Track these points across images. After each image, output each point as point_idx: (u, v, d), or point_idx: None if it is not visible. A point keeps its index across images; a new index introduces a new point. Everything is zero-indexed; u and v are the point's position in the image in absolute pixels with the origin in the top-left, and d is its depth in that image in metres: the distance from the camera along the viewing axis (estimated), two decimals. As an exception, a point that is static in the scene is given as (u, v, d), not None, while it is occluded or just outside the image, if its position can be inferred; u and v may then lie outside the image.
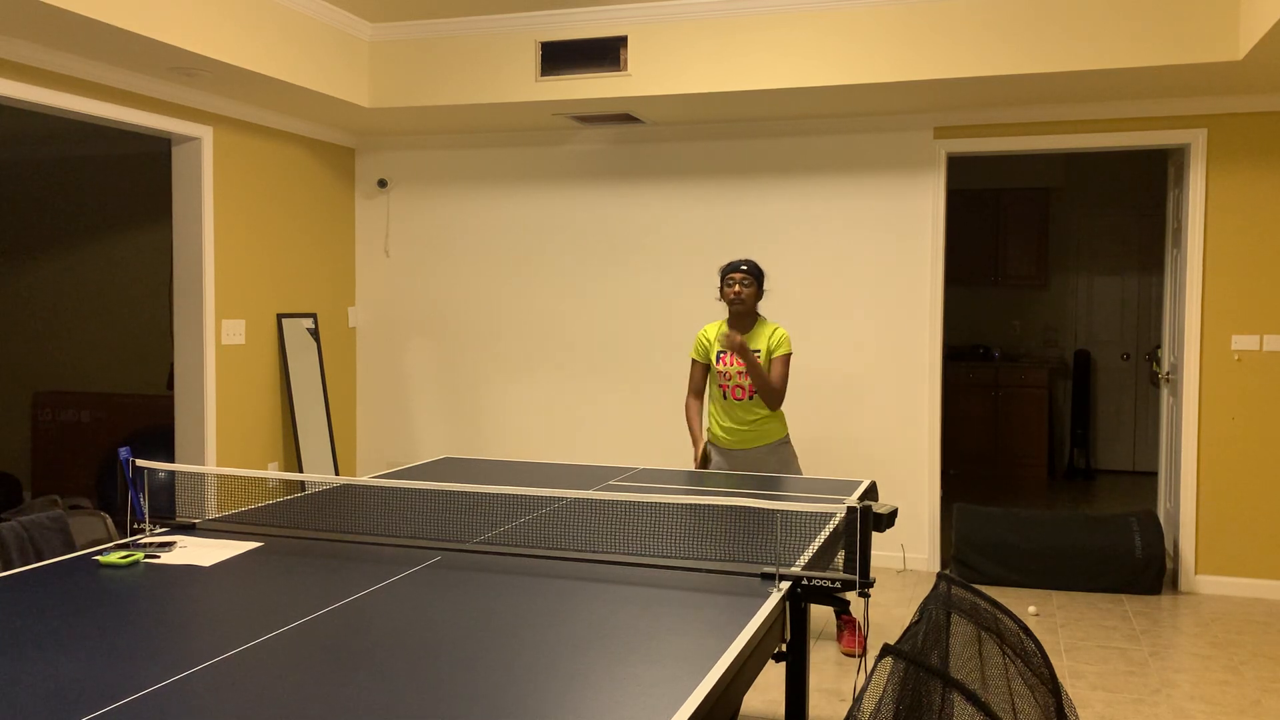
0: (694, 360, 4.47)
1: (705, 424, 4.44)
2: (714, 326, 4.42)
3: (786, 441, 4.38)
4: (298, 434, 5.85)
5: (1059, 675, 3.96)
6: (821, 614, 4.78)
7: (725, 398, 4.34)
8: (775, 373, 4.26)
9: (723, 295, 4.34)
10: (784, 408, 5.76)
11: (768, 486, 3.53)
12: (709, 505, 2.85)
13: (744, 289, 4.29)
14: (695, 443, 4.41)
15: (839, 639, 4.39)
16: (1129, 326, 8.71)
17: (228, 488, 5.40)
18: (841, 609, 4.41)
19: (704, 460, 4.42)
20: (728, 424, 4.34)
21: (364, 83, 5.49)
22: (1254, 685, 3.98)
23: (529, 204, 6.20)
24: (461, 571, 2.34)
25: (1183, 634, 4.58)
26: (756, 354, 4.26)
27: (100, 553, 2.46)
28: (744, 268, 4.30)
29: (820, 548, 2.57)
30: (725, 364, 4.32)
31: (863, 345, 5.66)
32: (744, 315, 4.35)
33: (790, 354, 4.29)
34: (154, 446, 6.49)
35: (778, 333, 4.30)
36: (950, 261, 8.70)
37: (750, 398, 4.28)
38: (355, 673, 1.69)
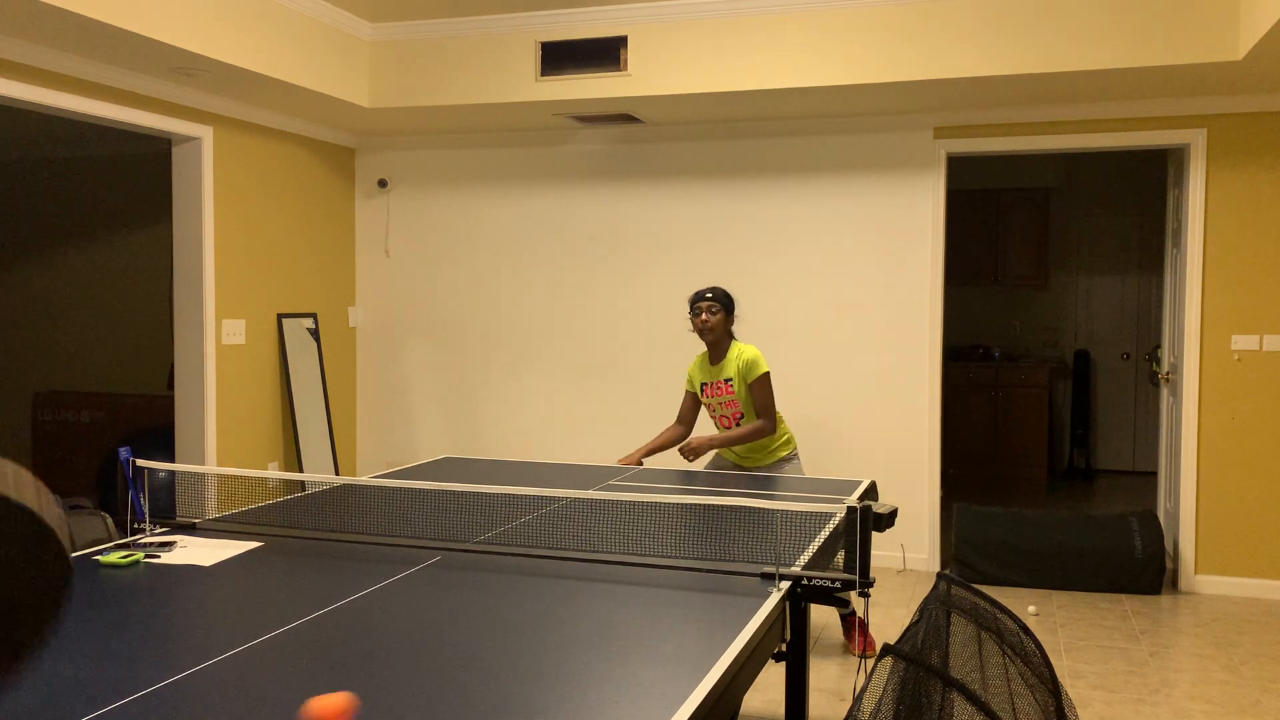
0: (687, 391, 4.47)
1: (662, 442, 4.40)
2: (695, 362, 4.40)
3: (792, 458, 4.35)
4: (298, 434, 5.85)
5: (1059, 675, 3.95)
6: (822, 614, 4.78)
7: (718, 427, 4.38)
8: (757, 402, 4.19)
9: (692, 325, 4.29)
10: (786, 413, 5.76)
11: (768, 487, 3.53)
12: (709, 505, 2.85)
13: (711, 317, 4.22)
14: (639, 452, 4.29)
15: (846, 639, 4.37)
16: (1129, 326, 8.71)
17: (228, 488, 5.40)
18: (843, 609, 4.40)
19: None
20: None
21: (364, 83, 5.49)
22: (1254, 685, 3.98)
23: (529, 204, 6.20)
24: (461, 571, 2.34)
25: (1183, 634, 4.57)
26: (729, 383, 4.24)
27: (100, 553, 2.46)
28: (709, 295, 4.23)
29: (820, 548, 2.57)
30: (708, 396, 4.33)
31: (863, 345, 5.66)
32: (716, 344, 4.27)
33: (767, 371, 4.18)
34: (154, 446, 6.49)
35: (745, 355, 4.19)
36: (950, 261, 8.70)
37: (737, 423, 4.29)
38: (355, 673, 1.69)
